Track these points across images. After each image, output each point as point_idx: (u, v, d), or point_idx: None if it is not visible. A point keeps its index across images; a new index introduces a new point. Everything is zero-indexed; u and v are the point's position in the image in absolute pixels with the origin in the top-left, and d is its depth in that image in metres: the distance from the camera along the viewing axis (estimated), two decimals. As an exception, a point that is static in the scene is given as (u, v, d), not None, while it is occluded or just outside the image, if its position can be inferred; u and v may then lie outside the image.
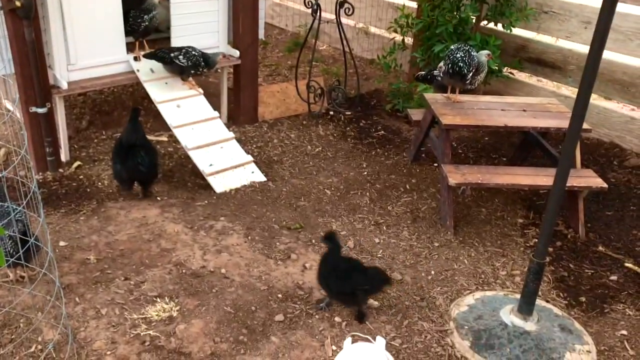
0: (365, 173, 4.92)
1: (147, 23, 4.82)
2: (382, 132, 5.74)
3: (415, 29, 5.94)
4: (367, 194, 4.57)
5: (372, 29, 7.75)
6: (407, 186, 4.72)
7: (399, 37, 6.26)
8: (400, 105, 6.06)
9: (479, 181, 3.98)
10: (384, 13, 7.44)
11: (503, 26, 5.63)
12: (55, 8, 4.40)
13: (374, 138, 5.60)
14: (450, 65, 4.28)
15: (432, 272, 3.68)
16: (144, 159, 4.10)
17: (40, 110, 4.44)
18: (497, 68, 5.57)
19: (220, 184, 4.50)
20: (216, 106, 5.76)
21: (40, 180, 4.54)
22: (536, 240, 4.05)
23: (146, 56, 4.87)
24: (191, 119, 4.79)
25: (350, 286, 3.13)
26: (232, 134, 4.88)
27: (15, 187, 4.46)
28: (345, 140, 5.54)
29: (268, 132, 5.62)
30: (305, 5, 5.58)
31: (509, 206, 4.49)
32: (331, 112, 6.03)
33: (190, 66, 4.84)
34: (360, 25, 7.88)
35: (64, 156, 4.85)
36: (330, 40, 8.24)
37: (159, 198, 4.36)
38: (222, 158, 4.67)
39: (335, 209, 4.33)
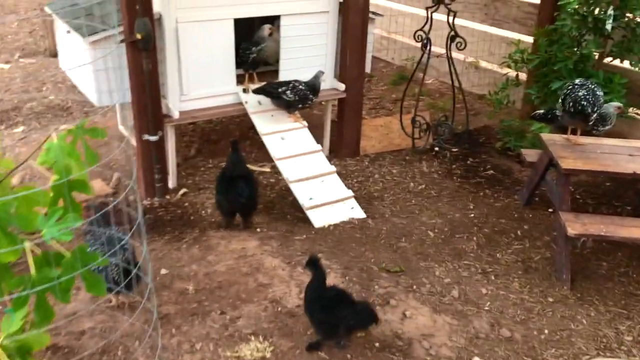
0: (472, 215, 4.64)
1: (255, 55, 4.89)
2: (492, 171, 5.43)
3: (531, 64, 5.63)
4: (474, 238, 4.29)
5: (483, 64, 7.48)
6: (519, 232, 4.39)
7: (512, 73, 5.97)
8: (512, 143, 5.72)
9: (602, 233, 3.61)
10: (496, 47, 7.16)
11: (630, 63, 5.19)
12: (172, 41, 4.57)
13: (482, 178, 5.31)
14: (571, 104, 3.95)
15: (546, 331, 3.35)
16: (244, 190, 4.11)
17: (152, 138, 4.59)
18: (622, 108, 5.13)
19: (319, 219, 4.41)
20: (319, 138, 5.73)
21: (148, 206, 4.67)
22: (667, 303, 3.61)
23: (255, 91, 4.93)
24: (294, 152, 4.77)
25: (335, 318, 2.98)
26: (333, 168, 4.80)
27: (123, 213, 4.65)
28: (450, 178, 5.30)
29: (369, 167, 5.49)
30: (415, 39, 5.45)
31: (634, 261, 4.05)
32: (436, 148, 5.81)
33: (298, 100, 4.84)
34: (470, 60, 7.63)
35: (171, 183, 4.98)
36: (438, 74, 8.04)
37: (258, 230, 4.33)
38: (323, 192, 4.59)
39: (438, 252, 4.10)
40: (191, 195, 4.85)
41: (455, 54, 7.84)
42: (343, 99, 5.50)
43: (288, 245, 4.07)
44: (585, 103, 3.91)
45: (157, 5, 4.56)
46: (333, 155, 5.70)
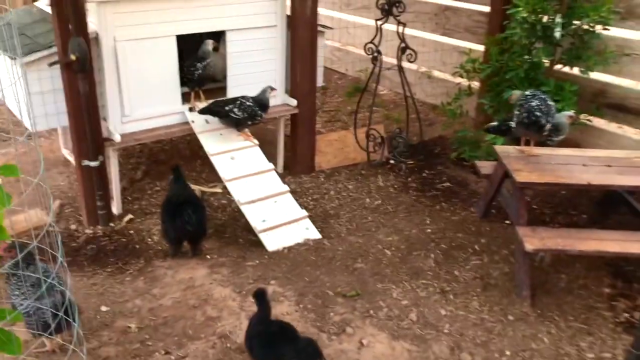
0: (429, 230, 4.53)
1: (200, 72, 4.69)
2: (447, 183, 5.35)
3: (482, 74, 5.59)
4: (432, 255, 4.18)
5: (436, 73, 7.43)
6: (476, 247, 4.30)
7: (465, 82, 5.91)
8: (467, 154, 5.66)
9: (560, 247, 3.54)
10: (449, 57, 7.13)
11: (580, 70, 5.19)
12: (110, 61, 4.34)
13: (438, 190, 5.22)
14: (525, 115, 3.88)
15: (507, 353, 3.24)
16: (191, 217, 3.90)
17: (92, 164, 4.34)
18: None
19: (272, 242, 4.23)
20: (273, 155, 5.57)
21: (91, 235, 4.41)
22: (627, 315, 3.55)
23: (201, 111, 4.73)
24: (245, 172, 4.58)
25: (274, 355, 2.81)
26: (286, 187, 4.62)
27: (64, 242, 4.37)
28: (406, 192, 5.19)
29: (325, 183, 5.34)
30: (366, 52, 5.34)
31: (592, 272, 3.99)
32: (392, 161, 5.70)
33: (246, 117, 4.66)
34: (423, 70, 7.58)
35: (116, 209, 4.72)
36: (392, 84, 7.97)
37: (208, 256, 4.13)
38: (276, 213, 4.41)
39: (395, 272, 3.96)
40: (137, 222, 4.61)
41: (407, 64, 7.81)
42: (295, 114, 5.34)
43: (239, 273, 3.87)
44: (539, 114, 3.84)
45: (93, 24, 4.34)
46: (288, 172, 5.54)
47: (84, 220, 4.55)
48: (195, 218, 3.93)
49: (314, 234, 4.38)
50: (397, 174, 5.54)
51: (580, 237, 3.65)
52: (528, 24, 5.08)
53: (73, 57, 3.99)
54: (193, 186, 5.16)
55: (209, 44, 4.66)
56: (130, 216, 4.67)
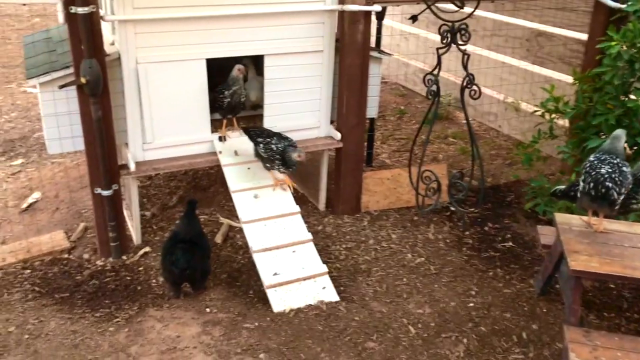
0: (472, 304, 3.79)
1: (228, 99, 4.27)
2: (510, 243, 4.55)
3: (567, 116, 4.71)
4: (465, 340, 3.45)
5: (523, 105, 6.54)
6: (524, 334, 3.51)
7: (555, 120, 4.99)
8: (541, 208, 4.79)
9: (618, 365, 2.71)
10: (539, 89, 6.23)
11: (690, 121, 4.19)
12: (132, 84, 4.04)
13: (497, 251, 4.43)
14: (591, 185, 3.06)
15: None
16: (178, 259, 3.55)
17: (105, 193, 4.06)
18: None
19: (280, 301, 3.70)
20: (315, 189, 5.05)
21: (100, 268, 4.14)
22: None
23: (243, 129, 4.46)
24: (265, 214, 4.09)
25: None
26: (309, 236, 4.07)
27: (70, 273, 4.14)
28: (459, 249, 4.46)
29: (366, 228, 4.73)
30: (425, 84, 4.65)
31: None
32: (452, 208, 4.96)
33: (266, 159, 4.15)
34: (510, 100, 6.71)
35: (135, 239, 4.44)
36: (475, 113, 7.17)
37: (208, 309, 3.67)
38: (292, 266, 3.88)
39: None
40: (151, 257, 4.28)
41: (490, 92, 6.96)
42: (339, 148, 4.79)
43: (231, 337, 3.38)
44: (610, 184, 3.00)
45: (117, 44, 4.07)
46: (330, 211, 4.99)
47: (98, 250, 4.30)
48: (185, 260, 3.54)
49: (331, 295, 3.80)
50: (454, 224, 4.81)
51: (651, 352, 2.79)
52: (624, 61, 4.18)
53: (83, 80, 3.71)
54: (222, 219, 4.80)
55: (235, 71, 4.22)
56: (146, 249, 4.35)
